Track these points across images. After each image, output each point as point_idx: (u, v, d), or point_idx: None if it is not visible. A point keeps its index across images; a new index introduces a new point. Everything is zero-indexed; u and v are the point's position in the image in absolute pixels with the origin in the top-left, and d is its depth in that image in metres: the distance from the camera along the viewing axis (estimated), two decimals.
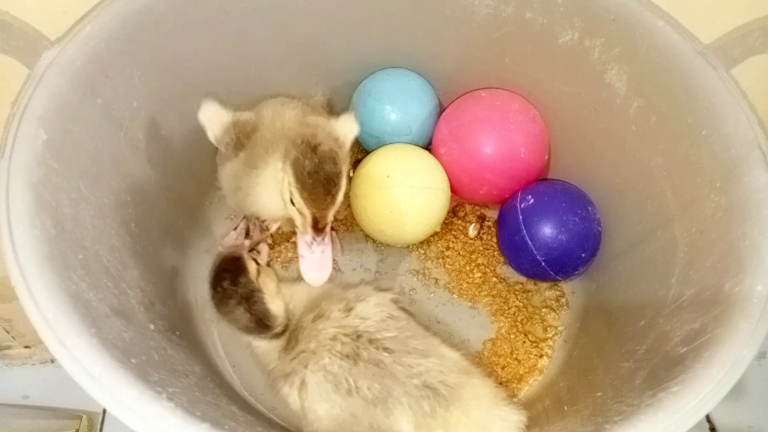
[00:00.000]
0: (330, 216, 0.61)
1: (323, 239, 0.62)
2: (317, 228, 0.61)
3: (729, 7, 0.62)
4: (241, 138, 0.68)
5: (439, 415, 0.61)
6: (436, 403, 0.61)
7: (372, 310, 0.67)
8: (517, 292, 0.86)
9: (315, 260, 0.62)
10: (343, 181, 0.61)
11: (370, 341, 0.64)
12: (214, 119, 0.69)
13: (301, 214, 0.62)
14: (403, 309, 0.72)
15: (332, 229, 0.87)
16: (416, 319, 0.72)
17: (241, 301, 0.66)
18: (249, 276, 0.67)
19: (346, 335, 0.65)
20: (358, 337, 0.64)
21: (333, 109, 0.90)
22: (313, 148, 0.59)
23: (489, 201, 0.90)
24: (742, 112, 0.60)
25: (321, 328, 0.66)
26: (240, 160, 0.70)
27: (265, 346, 0.70)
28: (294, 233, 0.88)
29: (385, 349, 0.64)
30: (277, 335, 0.69)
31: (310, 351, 0.65)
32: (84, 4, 0.61)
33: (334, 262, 0.87)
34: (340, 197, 0.61)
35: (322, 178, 0.58)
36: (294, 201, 0.61)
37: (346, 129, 0.68)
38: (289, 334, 0.68)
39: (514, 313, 0.84)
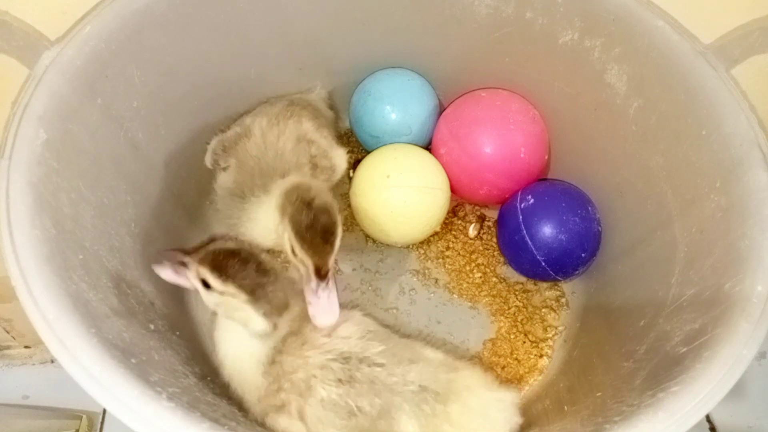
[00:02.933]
0: (330, 262, 0.64)
1: (327, 284, 0.64)
2: (320, 275, 0.64)
3: (729, 7, 0.62)
4: (227, 148, 0.72)
5: (440, 412, 0.62)
6: (435, 402, 0.62)
7: (351, 329, 0.67)
8: (517, 292, 0.86)
9: (322, 304, 0.64)
10: (339, 229, 0.65)
11: (360, 360, 0.64)
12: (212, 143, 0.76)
13: (303, 264, 0.65)
14: (375, 319, 0.71)
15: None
16: (392, 329, 0.73)
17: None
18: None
19: (334, 361, 0.64)
20: (347, 359, 0.64)
21: (334, 104, 0.89)
22: (308, 204, 0.63)
23: (489, 201, 0.90)
24: (742, 112, 0.60)
25: (307, 355, 0.64)
26: (227, 182, 0.73)
27: (253, 351, 0.65)
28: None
29: (377, 364, 0.64)
30: (273, 327, 0.63)
31: (300, 381, 0.63)
32: (84, 4, 0.61)
33: (334, 261, 0.87)
34: (338, 244, 0.64)
35: (319, 231, 0.63)
36: (296, 252, 0.65)
37: (339, 160, 0.75)
38: (274, 352, 0.65)
39: (514, 313, 0.84)
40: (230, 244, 0.63)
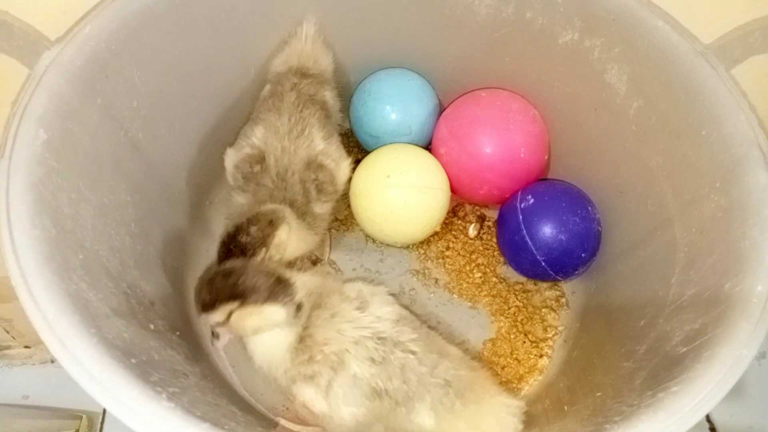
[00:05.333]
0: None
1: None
2: None
3: (729, 7, 0.62)
4: (245, 175, 0.75)
5: (457, 409, 0.64)
6: (455, 399, 0.64)
7: (384, 310, 0.67)
8: (517, 292, 0.86)
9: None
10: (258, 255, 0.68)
11: (395, 344, 0.64)
12: (228, 161, 0.77)
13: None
14: (404, 306, 0.72)
15: (328, 229, 0.88)
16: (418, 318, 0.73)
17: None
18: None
19: (370, 339, 0.64)
20: (383, 340, 0.64)
21: (340, 81, 0.88)
22: (247, 222, 0.68)
23: (489, 201, 0.90)
24: (742, 112, 0.60)
25: (339, 328, 0.64)
26: (243, 204, 0.75)
27: (276, 338, 0.65)
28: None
29: (410, 351, 0.65)
30: (296, 310, 0.64)
31: (333, 354, 0.63)
32: (84, 4, 0.61)
33: (333, 261, 0.88)
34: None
35: (228, 243, 0.68)
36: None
37: (341, 173, 0.78)
38: (302, 330, 0.65)
39: (514, 313, 0.84)
40: (212, 271, 0.64)
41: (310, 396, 0.63)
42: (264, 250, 0.68)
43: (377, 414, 0.63)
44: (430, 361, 0.65)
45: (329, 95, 0.82)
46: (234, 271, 0.62)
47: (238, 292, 0.61)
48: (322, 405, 0.63)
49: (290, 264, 0.74)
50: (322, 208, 0.76)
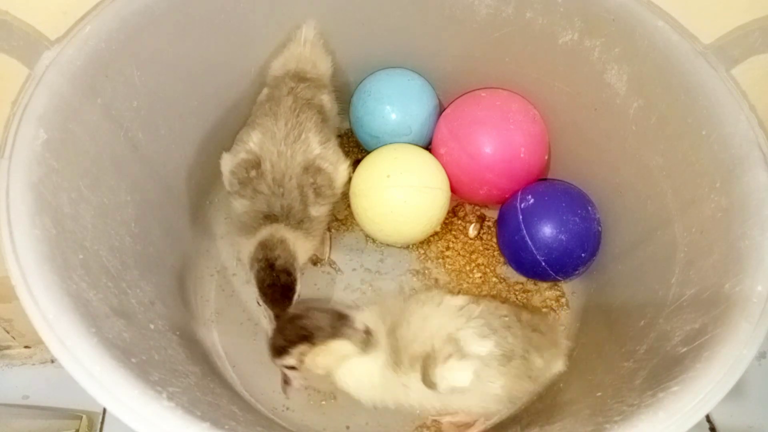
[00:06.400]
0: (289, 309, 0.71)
1: None
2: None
3: (729, 7, 0.62)
4: (241, 180, 0.75)
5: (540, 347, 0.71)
6: (541, 339, 0.71)
7: (457, 301, 0.70)
8: (517, 292, 0.86)
9: None
10: (298, 285, 0.72)
11: (488, 314, 0.69)
12: (225, 166, 0.77)
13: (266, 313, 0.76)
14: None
15: (328, 229, 0.88)
16: None
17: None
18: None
19: (468, 320, 0.68)
20: (477, 318, 0.68)
21: (339, 81, 0.87)
22: (271, 265, 0.71)
23: (489, 201, 0.90)
24: (742, 112, 0.60)
25: (439, 323, 0.67)
26: (240, 210, 0.76)
27: (363, 366, 0.68)
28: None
29: (504, 315, 0.70)
30: (369, 338, 0.67)
31: (445, 338, 0.66)
32: (84, 4, 0.61)
33: (333, 261, 0.88)
34: (296, 297, 0.72)
35: (279, 289, 0.70)
36: (260, 303, 0.76)
37: (339, 176, 0.78)
38: (390, 348, 0.68)
39: None
40: (287, 317, 0.68)
41: (458, 368, 0.65)
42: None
43: (515, 374, 0.67)
44: (514, 316, 0.70)
45: (327, 99, 0.81)
46: (298, 315, 0.66)
47: (305, 334, 0.64)
48: (466, 373, 0.65)
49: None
50: (320, 211, 0.76)
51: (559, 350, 0.73)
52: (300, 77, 0.79)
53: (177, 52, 0.70)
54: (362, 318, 0.67)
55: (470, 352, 0.65)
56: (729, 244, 0.57)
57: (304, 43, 0.79)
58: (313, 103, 0.78)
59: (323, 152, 0.76)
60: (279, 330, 0.66)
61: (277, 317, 0.71)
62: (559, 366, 0.72)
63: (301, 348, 0.64)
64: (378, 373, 0.67)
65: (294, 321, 0.65)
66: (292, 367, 0.66)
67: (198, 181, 0.83)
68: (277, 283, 0.70)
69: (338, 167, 0.78)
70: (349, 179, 0.86)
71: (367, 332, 0.66)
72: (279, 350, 0.65)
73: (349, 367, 0.67)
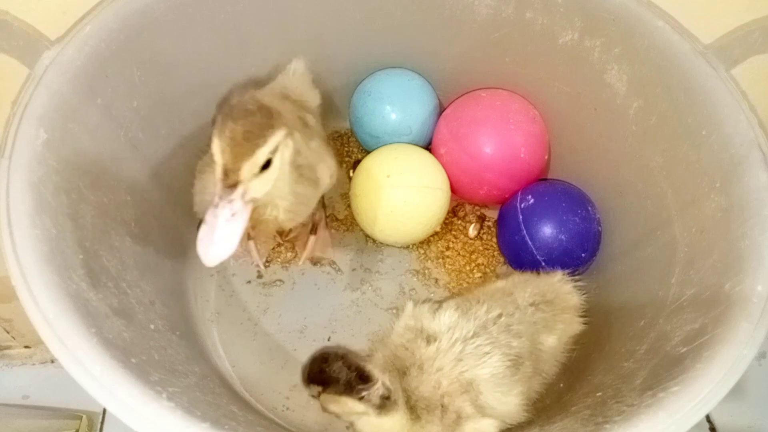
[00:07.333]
0: (246, 169, 0.52)
1: (233, 200, 0.51)
2: (227, 180, 0.51)
3: (729, 7, 0.62)
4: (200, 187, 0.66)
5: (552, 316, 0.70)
6: (548, 310, 0.71)
7: (450, 316, 0.68)
8: None
9: (216, 228, 0.51)
10: (275, 134, 0.53)
11: (483, 327, 0.66)
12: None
13: (215, 162, 0.53)
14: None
15: (328, 229, 0.88)
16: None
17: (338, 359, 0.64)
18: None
19: (466, 344, 0.65)
20: (475, 336, 0.65)
21: (339, 81, 0.86)
22: (242, 101, 0.55)
23: (489, 201, 0.90)
24: (742, 112, 0.60)
25: (437, 366, 0.64)
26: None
27: (381, 423, 0.64)
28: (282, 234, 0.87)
29: (496, 317, 0.67)
30: (386, 403, 0.62)
31: (455, 383, 0.63)
32: (84, 4, 0.61)
33: (333, 263, 0.87)
34: (264, 151, 0.53)
35: (240, 124, 0.52)
36: (211, 145, 0.54)
37: (322, 173, 0.68)
38: (406, 403, 0.64)
39: None
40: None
41: (473, 428, 0.63)
42: None
43: (529, 375, 0.66)
44: (511, 305, 0.68)
45: (310, 117, 0.74)
46: (327, 356, 0.63)
47: (322, 379, 0.62)
48: (489, 426, 0.63)
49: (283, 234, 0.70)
50: (305, 190, 0.68)
51: (572, 312, 0.71)
52: (284, 95, 0.73)
53: (177, 52, 0.70)
54: (385, 380, 0.62)
55: (487, 398, 0.63)
56: (729, 243, 0.57)
57: (293, 74, 0.77)
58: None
59: (302, 154, 0.66)
60: (313, 360, 0.64)
61: (225, 175, 0.52)
62: (575, 328, 0.71)
63: (317, 388, 0.62)
64: (398, 429, 0.64)
65: (322, 361, 0.63)
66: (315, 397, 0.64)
67: None
68: (237, 118, 0.53)
69: (324, 159, 0.71)
70: (350, 179, 0.86)
71: (386, 397, 0.62)
72: (303, 379, 0.64)
73: (367, 420, 0.64)
